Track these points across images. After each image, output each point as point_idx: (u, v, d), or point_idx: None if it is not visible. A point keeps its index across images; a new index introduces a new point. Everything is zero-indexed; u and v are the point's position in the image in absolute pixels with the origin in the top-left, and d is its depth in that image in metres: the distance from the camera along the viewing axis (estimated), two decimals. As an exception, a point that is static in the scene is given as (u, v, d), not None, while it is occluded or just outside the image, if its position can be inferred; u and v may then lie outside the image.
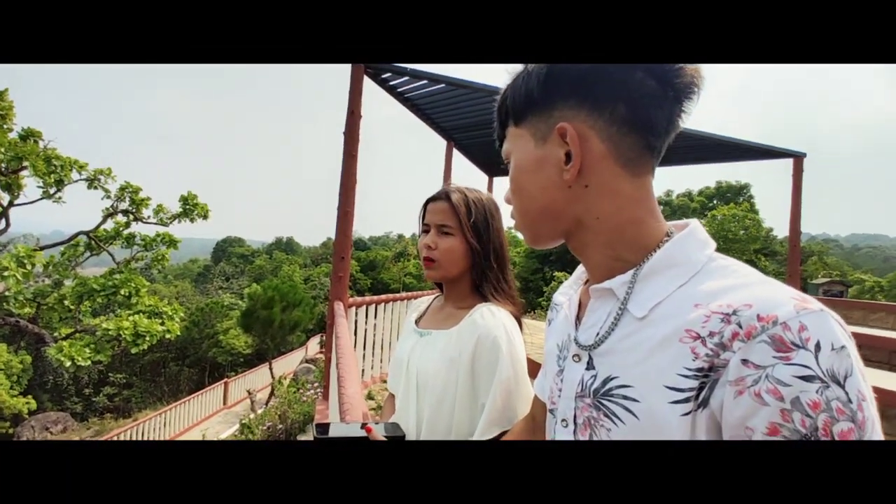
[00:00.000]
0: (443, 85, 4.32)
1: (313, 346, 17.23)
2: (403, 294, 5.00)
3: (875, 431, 0.35)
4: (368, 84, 4.17)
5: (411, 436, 0.92)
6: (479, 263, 0.98)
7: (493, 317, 0.91)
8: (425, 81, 4.31)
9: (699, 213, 29.44)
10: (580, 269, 0.61)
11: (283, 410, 5.01)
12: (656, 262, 0.47)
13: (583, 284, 0.59)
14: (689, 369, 0.40)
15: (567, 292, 0.61)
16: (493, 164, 7.13)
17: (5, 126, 8.48)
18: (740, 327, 0.37)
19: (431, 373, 0.92)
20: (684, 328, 0.41)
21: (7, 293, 8.60)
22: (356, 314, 4.22)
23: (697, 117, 0.49)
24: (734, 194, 28.58)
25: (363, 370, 4.28)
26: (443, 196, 0.99)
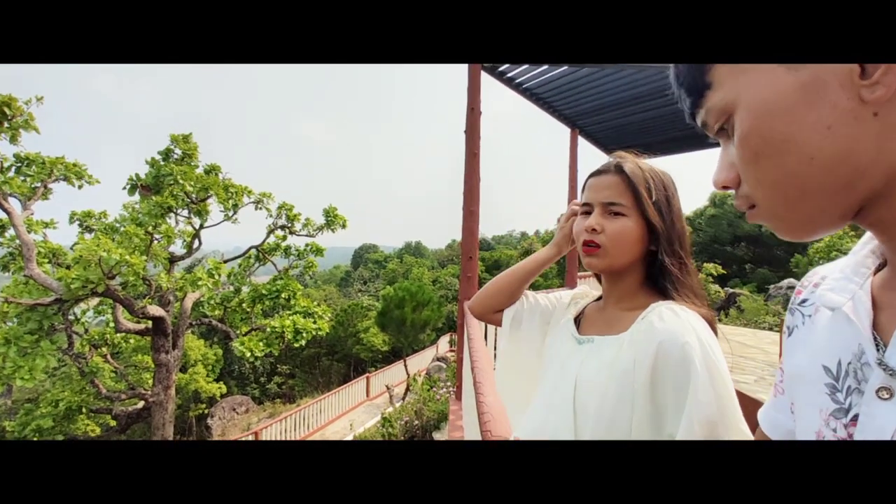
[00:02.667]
0: (565, 68, 4.05)
1: (443, 344, 17.90)
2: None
3: None
4: (484, 80, 4.09)
5: None
6: (661, 251, 0.78)
7: (677, 318, 0.69)
8: (545, 67, 4.08)
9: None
10: (863, 248, 0.40)
11: (419, 408, 5.20)
12: None
13: (872, 274, 0.38)
14: None
15: (844, 287, 0.40)
16: (624, 150, 6.53)
17: (192, 163, 10.43)
18: None
19: (597, 391, 0.73)
20: None
21: (202, 299, 10.54)
22: (485, 314, 4.17)
23: None
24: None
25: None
26: (612, 168, 0.81)
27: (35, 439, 9.76)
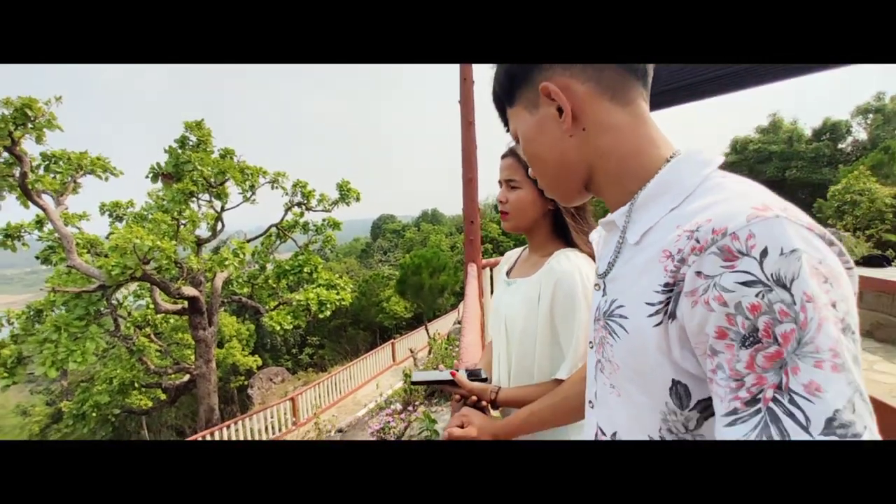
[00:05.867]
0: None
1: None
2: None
3: (823, 331, 0.34)
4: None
5: (503, 374, 1.05)
6: (554, 210, 1.04)
7: (568, 261, 0.97)
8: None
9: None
10: None
11: (437, 364, 5.61)
12: (650, 190, 0.50)
13: None
14: (661, 285, 0.44)
15: (599, 231, 0.66)
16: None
17: (208, 149, 10.78)
18: (698, 242, 0.40)
19: (515, 317, 1.02)
20: (662, 249, 0.45)
21: (230, 278, 11.13)
22: (491, 274, 4.45)
23: None
24: None
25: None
26: (509, 153, 1.06)
27: (94, 414, 10.65)
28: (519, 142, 0.62)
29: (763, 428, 0.34)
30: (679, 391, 0.45)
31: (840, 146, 23.80)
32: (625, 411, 0.52)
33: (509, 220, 1.07)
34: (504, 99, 0.60)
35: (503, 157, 1.08)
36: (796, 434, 0.33)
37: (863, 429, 0.32)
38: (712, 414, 0.42)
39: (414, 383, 1.07)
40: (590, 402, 0.60)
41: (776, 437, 0.34)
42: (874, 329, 3.84)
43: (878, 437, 0.33)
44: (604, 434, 0.56)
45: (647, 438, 0.49)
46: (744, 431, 0.36)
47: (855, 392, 0.33)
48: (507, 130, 0.65)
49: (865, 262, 4.43)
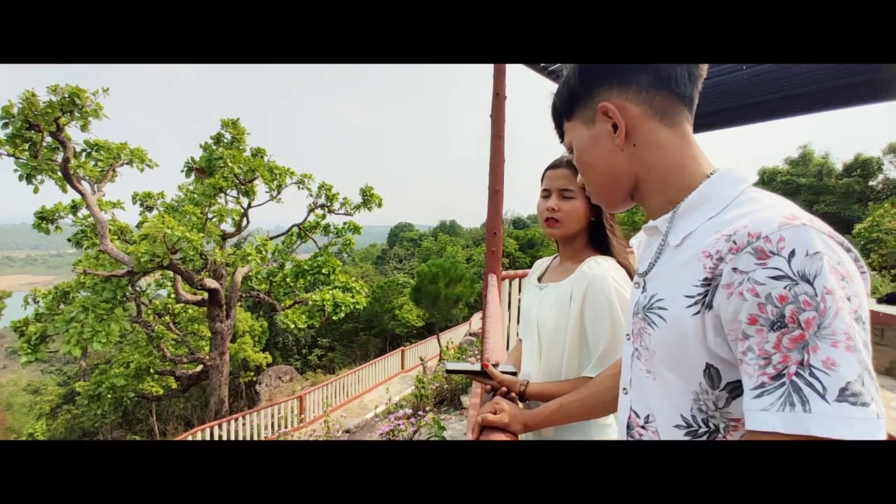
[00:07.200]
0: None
1: (476, 321, 18.35)
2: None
3: (839, 318, 0.41)
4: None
5: (533, 371, 1.12)
6: (597, 221, 1.11)
7: (599, 266, 1.03)
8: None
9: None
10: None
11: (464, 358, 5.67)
12: (692, 200, 0.58)
13: None
14: (700, 280, 0.51)
15: (640, 236, 0.73)
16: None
17: (241, 147, 11.14)
18: (735, 243, 0.47)
19: (546, 318, 1.09)
20: (702, 250, 0.52)
21: (250, 273, 11.38)
22: (510, 286, 4.50)
23: None
24: None
25: (519, 338, 4.54)
26: (563, 163, 1.12)
27: (109, 396, 10.85)
28: (573, 151, 0.70)
29: (787, 397, 0.41)
30: (712, 373, 0.52)
31: (870, 183, 23.27)
32: (659, 393, 0.59)
33: (559, 228, 1.12)
34: (563, 113, 0.68)
35: (555, 167, 1.14)
36: (815, 401, 0.40)
37: (870, 399, 0.39)
38: (739, 394, 0.49)
39: (448, 371, 1.14)
40: (624, 388, 0.67)
41: (798, 405, 0.41)
42: (894, 367, 3.79)
43: (882, 409, 0.40)
44: (638, 416, 0.63)
45: (679, 417, 0.56)
46: (770, 401, 0.42)
47: (864, 370, 0.40)
48: (562, 141, 0.73)
49: (889, 300, 4.39)
